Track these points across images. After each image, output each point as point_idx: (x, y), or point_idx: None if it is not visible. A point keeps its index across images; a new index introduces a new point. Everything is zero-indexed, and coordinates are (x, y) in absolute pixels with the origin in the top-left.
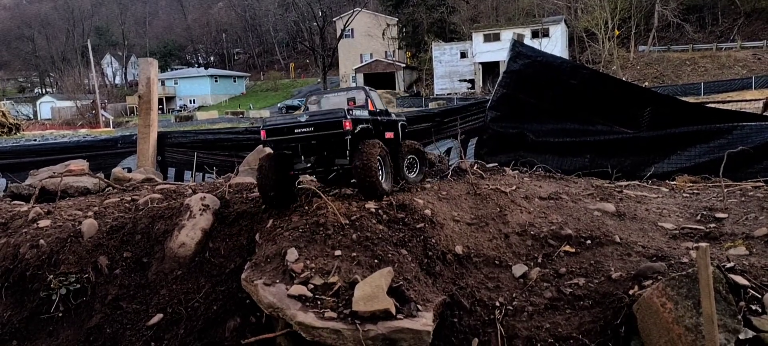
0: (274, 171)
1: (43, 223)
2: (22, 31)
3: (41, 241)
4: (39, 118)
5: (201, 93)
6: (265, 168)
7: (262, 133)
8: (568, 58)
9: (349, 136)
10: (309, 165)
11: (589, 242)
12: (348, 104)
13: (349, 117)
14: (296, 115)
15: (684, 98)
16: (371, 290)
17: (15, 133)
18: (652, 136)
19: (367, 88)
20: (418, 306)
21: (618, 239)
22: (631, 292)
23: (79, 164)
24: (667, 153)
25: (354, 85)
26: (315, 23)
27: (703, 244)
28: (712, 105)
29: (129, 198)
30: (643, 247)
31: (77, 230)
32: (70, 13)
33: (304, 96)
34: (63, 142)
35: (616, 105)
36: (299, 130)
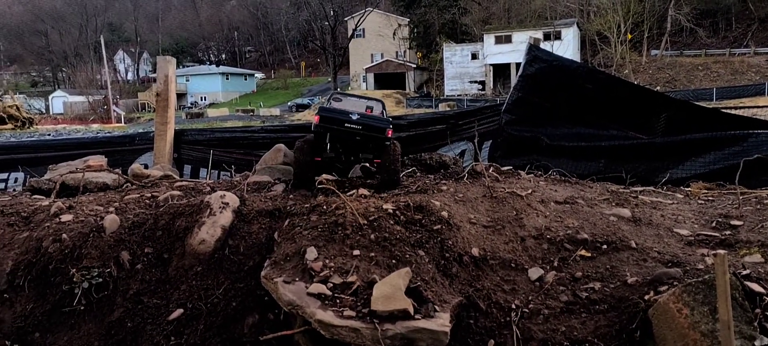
0: (312, 153)
1: (65, 217)
2: (35, 26)
3: (64, 235)
4: (51, 113)
5: (212, 90)
6: (305, 149)
7: (316, 117)
8: (579, 61)
9: (388, 142)
10: (337, 155)
11: (605, 246)
12: (366, 110)
13: (390, 126)
14: (345, 111)
15: (696, 104)
16: (389, 290)
17: (28, 127)
18: (667, 142)
19: (383, 101)
20: (436, 307)
21: (634, 245)
22: (646, 297)
23: (98, 160)
24: (682, 159)
25: (364, 85)
26: (326, 22)
27: (720, 251)
28: (725, 111)
29: (149, 194)
30: (658, 253)
31: (99, 225)
32: (83, 8)
33: (315, 94)
34: (80, 138)
35: (631, 110)
36: (349, 126)
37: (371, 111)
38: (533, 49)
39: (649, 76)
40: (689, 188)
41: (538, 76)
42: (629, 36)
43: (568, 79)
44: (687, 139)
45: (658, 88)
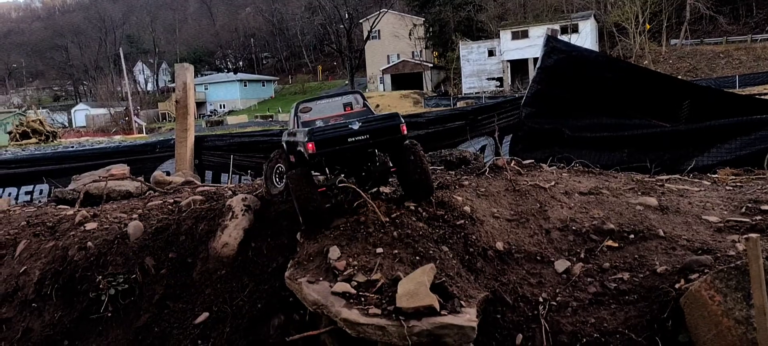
0: (312, 185)
1: (89, 226)
2: (55, 41)
3: (89, 243)
4: (74, 126)
5: (230, 97)
6: (303, 182)
7: (310, 146)
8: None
9: (405, 140)
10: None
11: (632, 236)
12: (345, 109)
13: (402, 121)
14: (340, 124)
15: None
16: (414, 287)
17: (52, 141)
18: (692, 129)
19: (360, 92)
20: (462, 302)
21: (662, 233)
22: (677, 286)
23: (121, 169)
24: (708, 146)
25: (381, 86)
26: (342, 25)
27: (752, 235)
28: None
29: (171, 200)
30: (687, 240)
31: (123, 232)
32: (101, 22)
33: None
34: (102, 148)
35: (653, 98)
36: (353, 139)
37: (351, 108)
38: (551, 40)
39: (669, 66)
40: (716, 175)
41: (556, 67)
42: (648, 26)
43: (587, 69)
44: (712, 125)
45: (680, 77)
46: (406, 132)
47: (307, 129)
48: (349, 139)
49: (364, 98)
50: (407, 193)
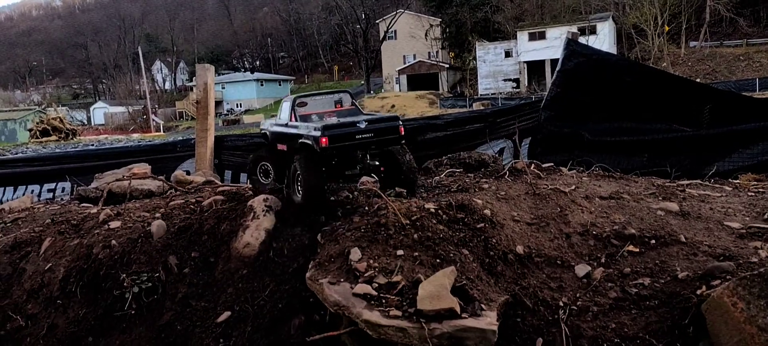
0: (322, 176)
1: (113, 224)
2: (75, 40)
3: (113, 241)
4: (92, 124)
5: (247, 97)
6: (317, 173)
7: (323, 140)
8: (616, 55)
9: (403, 140)
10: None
11: (653, 241)
12: (335, 106)
13: (402, 123)
14: (349, 122)
15: (742, 94)
16: (435, 289)
17: (72, 139)
18: (713, 133)
19: (349, 91)
20: (482, 305)
21: (683, 239)
22: (698, 292)
23: (142, 168)
24: (729, 151)
25: (397, 86)
26: (358, 26)
27: None
28: None
29: (193, 200)
30: (709, 246)
31: (147, 231)
32: (121, 21)
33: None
34: (124, 147)
35: (674, 102)
36: (360, 136)
37: (341, 105)
38: (571, 43)
39: (688, 68)
40: (738, 180)
41: (577, 71)
42: (666, 28)
43: (607, 72)
44: (733, 130)
45: (699, 80)
46: (403, 133)
47: (319, 124)
48: (357, 136)
49: (352, 97)
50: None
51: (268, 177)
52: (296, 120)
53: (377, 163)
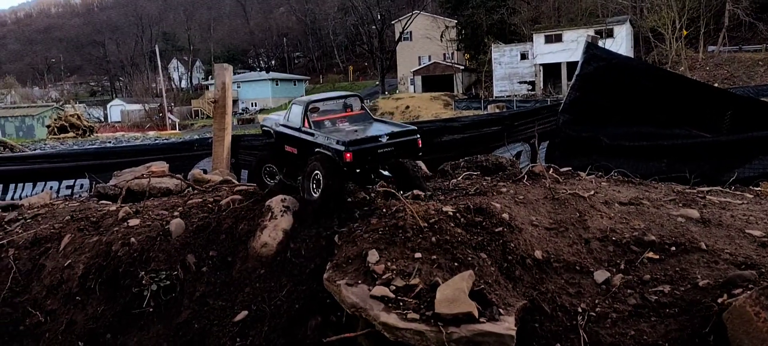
0: (343, 181)
1: (132, 222)
2: (93, 37)
3: (132, 239)
4: (109, 121)
5: (262, 96)
6: (337, 175)
7: (348, 156)
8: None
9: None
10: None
11: (673, 248)
12: (346, 110)
13: (418, 134)
14: (372, 136)
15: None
16: (453, 293)
17: (89, 136)
18: (733, 140)
19: (359, 95)
20: (500, 310)
21: (704, 246)
22: (719, 300)
23: (160, 166)
24: (750, 158)
25: (412, 87)
26: (374, 26)
27: None
28: None
29: (211, 199)
30: (730, 254)
31: (166, 229)
32: (138, 19)
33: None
34: (142, 145)
35: (694, 108)
36: (381, 151)
37: (351, 110)
38: (591, 47)
39: (706, 72)
40: (759, 188)
41: (596, 74)
42: (685, 32)
43: (627, 77)
44: (755, 136)
45: (717, 84)
46: (421, 146)
47: (342, 136)
48: (379, 151)
49: (362, 101)
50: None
51: (273, 178)
52: (309, 126)
53: (388, 173)
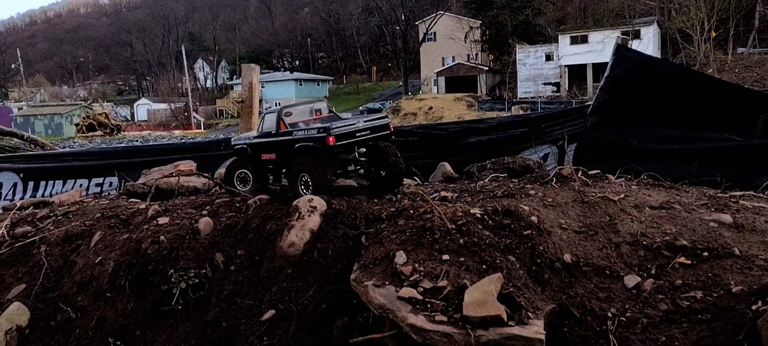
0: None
1: (162, 220)
2: (121, 37)
3: (161, 237)
4: (136, 120)
5: (286, 96)
6: (323, 166)
7: (330, 139)
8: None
9: (391, 138)
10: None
11: (705, 253)
12: (315, 115)
13: (390, 121)
14: (350, 122)
15: None
16: (481, 296)
17: (117, 134)
18: (766, 143)
19: (326, 99)
20: (529, 313)
21: (737, 252)
22: (753, 307)
23: (188, 165)
24: None
25: (435, 88)
26: (397, 27)
27: None
28: None
29: (238, 198)
30: (764, 261)
31: (194, 228)
32: (165, 19)
33: (386, 99)
34: (169, 144)
35: (726, 110)
36: (360, 134)
37: (320, 113)
38: (621, 49)
39: (735, 75)
40: None
41: (625, 76)
42: (713, 33)
43: (657, 79)
44: None
45: (746, 87)
46: (392, 130)
47: (322, 126)
48: (357, 134)
49: (329, 105)
50: (381, 183)
51: (246, 185)
52: (286, 127)
53: (365, 158)
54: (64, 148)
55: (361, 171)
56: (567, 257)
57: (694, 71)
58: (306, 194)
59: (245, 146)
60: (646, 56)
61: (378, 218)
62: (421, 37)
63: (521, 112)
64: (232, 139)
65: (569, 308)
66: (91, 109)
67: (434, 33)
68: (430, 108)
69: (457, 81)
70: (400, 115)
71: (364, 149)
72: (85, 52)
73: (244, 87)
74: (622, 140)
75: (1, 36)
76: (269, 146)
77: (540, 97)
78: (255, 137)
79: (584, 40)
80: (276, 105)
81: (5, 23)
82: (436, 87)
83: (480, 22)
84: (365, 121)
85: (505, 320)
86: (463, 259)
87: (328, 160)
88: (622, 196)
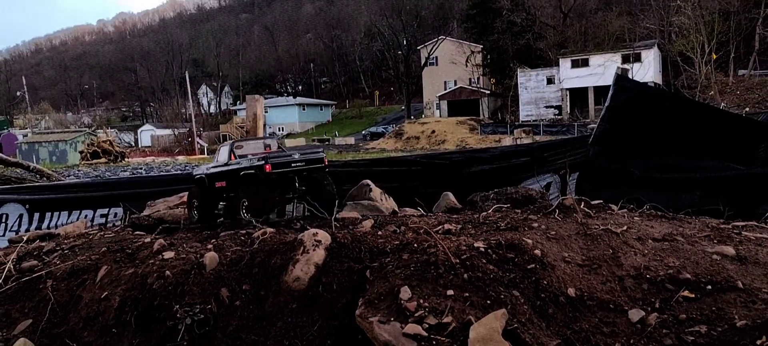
0: (269, 195)
1: (167, 254)
2: (125, 64)
3: (167, 272)
4: (139, 146)
5: (289, 121)
6: (263, 190)
7: (267, 167)
8: (661, 83)
9: (326, 170)
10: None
11: (709, 287)
12: (266, 149)
13: (325, 155)
14: (286, 153)
15: None
16: (486, 332)
17: (121, 161)
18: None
19: (276, 134)
20: None
21: (740, 285)
22: (758, 342)
23: None
24: None
25: (438, 112)
26: (400, 52)
27: None
28: None
29: (244, 231)
30: None
31: (200, 262)
32: (169, 46)
33: (388, 123)
34: (174, 174)
35: (727, 139)
36: (295, 165)
37: (270, 148)
38: (620, 79)
39: (736, 97)
40: None
41: (626, 106)
42: (714, 56)
43: (658, 108)
44: None
45: (747, 109)
46: (326, 163)
47: (262, 156)
48: (292, 164)
49: (278, 141)
50: (317, 208)
51: (199, 213)
52: (235, 158)
53: (304, 188)
54: (68, 176)
55: (296, 198)
56: (571, 291)
57: (694, 101)
58: (246, 216)
59: (203, 176)
60: (646, 86)
61: (382, 252)
62: (423, 61)
63: (523, 135)
64: (194, 171)
65: (574, 344)
66: (95, 135)
67: (436, 57)
68: (433, 132)
69: (460, 105)
70: (403, 138)
71: (304, 182)
72: (90, 79)
73: (248, 117)
74: (623, 170)
75: (6, 64)
76: (221, 175)
77: (542, 120)
78: (211, 167)
79: (585, 63)
80: (279, 130)
81: (10, 51)
82: (438, 111)
83: (481, 46)
84: (302, 154)
85: None
86: (467, 294)
87: (268, 187)
88: (625, 228)
